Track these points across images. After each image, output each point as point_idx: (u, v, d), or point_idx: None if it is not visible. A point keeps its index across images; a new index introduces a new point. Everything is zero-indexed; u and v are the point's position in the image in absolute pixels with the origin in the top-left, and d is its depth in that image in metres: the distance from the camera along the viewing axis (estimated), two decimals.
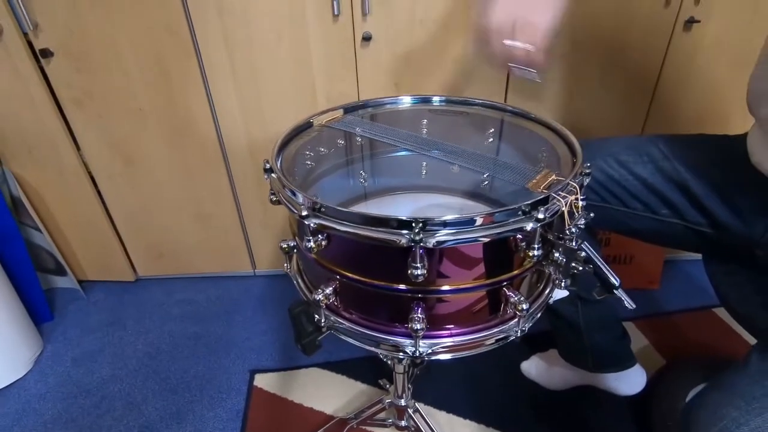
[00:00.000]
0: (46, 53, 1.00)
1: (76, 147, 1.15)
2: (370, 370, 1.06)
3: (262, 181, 1.21)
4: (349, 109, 0.66)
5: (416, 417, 0.84)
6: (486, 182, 0.52)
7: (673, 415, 0.89)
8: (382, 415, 0.89)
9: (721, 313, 1.18)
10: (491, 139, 0.62)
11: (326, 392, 1.02)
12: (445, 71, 1.06)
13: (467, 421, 0.95)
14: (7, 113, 1.08)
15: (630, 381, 0.92)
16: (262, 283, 1.36)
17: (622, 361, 0.92)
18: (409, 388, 0.83)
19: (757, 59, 0.57)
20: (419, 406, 0.87)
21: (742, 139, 0.66)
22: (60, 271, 1.32)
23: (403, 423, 0.86)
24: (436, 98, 0.67)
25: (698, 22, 0.99)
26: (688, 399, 0.91)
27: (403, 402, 0.83)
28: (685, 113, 1.13)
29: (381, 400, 0.87)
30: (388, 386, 0.92)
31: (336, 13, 0.96)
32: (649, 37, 1.03)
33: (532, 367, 1.03)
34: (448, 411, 0.97)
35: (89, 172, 1.19)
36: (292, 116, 0.96)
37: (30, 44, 1.00)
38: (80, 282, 1.35)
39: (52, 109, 1.07)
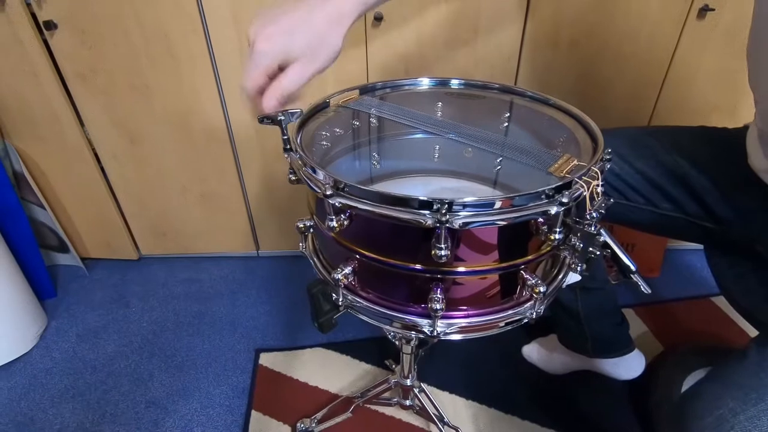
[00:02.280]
0: (50, 25, 0.98)
1: (80, 123, 1.13)
2: (373, 350, 1.07)
3: (268, 161, 1.21)
4: (365, 90, 0.66)
5: (421, 396, 0.86)
6: (499, 167, 0.52)
7: (670, 400, 0.91)
8: (387, 394, 0.91)
9: (719, 302, 1.20)
10: (507, 124, 0.62)
11: (330, 372, 1.04)
12: (455, 56, 1.05)
13: (469, 402, 0.97)
14: (10, 86, 1.06)
15: (628, 366, 0.94)
16: (266, 264, 1.37)
17: (621, 346, 0.93)
18: (414, 368, 0.84)
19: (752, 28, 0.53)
20: (423, 386, 0.89)
21: (741, 132, 0.66)
22: (62, 248, 1.32)
23: (407, 402, 0.88)
24: (454, 81, 0.67)
25: (713, 10, 0.99)
26: (684, 384, 0.93)
27: (409, 382, 0.84)
28: (693, 104, 1.13)
29: (387, 379, 0.88)
30: (394, 366, 0.94)
31: None
32: (662, 25, 1.02)
33: (533, 351, 1.05)
34: (451, 392, 0.99)
35: (93, 149, 1.18)
36: None
37: (33, 15, 0.98)
38: (83, 259, 1.35)
39: (55, 83, 1.05)
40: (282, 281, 1.31)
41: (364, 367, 1.05)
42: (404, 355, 0.80)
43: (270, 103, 0.46)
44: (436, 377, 1.01)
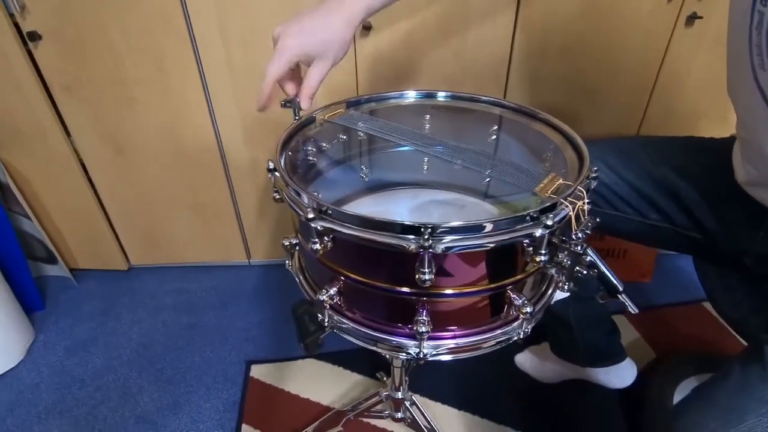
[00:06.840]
0: (34, 36, 0.97)
1: (66, 134, 1.12)
2: (365, 361, 1.07)
3: (258, 170, 1.20)
4: (351, 104, 0.65)
5: (413, 409, 0.86)
6: (488, 179, 0.51)
7: (661, 410, 0.91)
8: (378, 407, 0.90)
9: (710, 307, 1.20)
10: (494, 137, 0.62)
11: (322, 383, 1.03)
12: (446, 65, 1.05)
13: (461, 413, 0.96)
14: None
15: (621, 375, 0.94)
16: (257, 274, 1.36)
17: (613, 356, 0.93)
18: (406, 381, 0.84)
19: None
20: (415, 397, 0.88)
21: (729, 144, 0.66)
22: (51, 260, 1.30)
23: (399, 415, 0.88)
24: (441, 94, 0.66)
25: (701, 18, 0.99)
26: (675, 394, 0.94)
27: (400, 395, 0.84)
28: (683, 111, 1.13)
29: (378, 392, 0.87)
30: (385, 379, 0.93)
31: None
32: (651, 33, 1.02)
33: (526, 360, 1.04)
34: (443, 402, 0.98)
35: (80, 160, 1.17)
36: None
37: (17, 26, 0.97)
38: (71, 270, 1.33)
39: (40, 94, 1.04)
40: (274, 290, 1.30)
41: (356, 377, 1.04)
42: (395, 368, 0.79)
43: (306, 103, 0.56)
44: (427, 387, 1.00)
